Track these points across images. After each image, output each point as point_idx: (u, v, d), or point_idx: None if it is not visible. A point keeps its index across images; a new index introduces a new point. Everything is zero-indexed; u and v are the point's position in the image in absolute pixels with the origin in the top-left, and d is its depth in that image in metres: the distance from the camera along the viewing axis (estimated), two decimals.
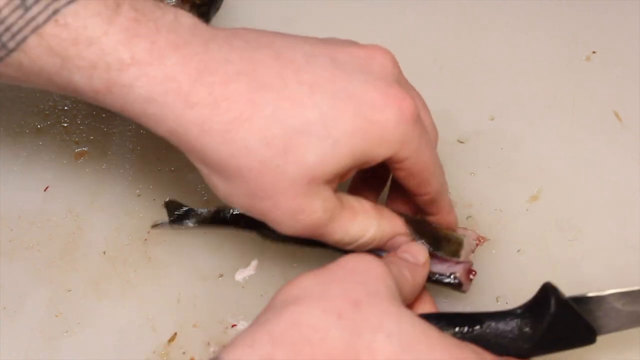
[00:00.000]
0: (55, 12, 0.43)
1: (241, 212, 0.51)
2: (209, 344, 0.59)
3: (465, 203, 0.65)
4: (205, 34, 0.46)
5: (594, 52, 0.73)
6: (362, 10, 0.76)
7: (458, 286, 0.57)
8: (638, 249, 0.63)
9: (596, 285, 0.61)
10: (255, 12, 0.76)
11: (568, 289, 0.61)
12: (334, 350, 0.41)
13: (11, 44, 0.43)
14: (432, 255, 0.55)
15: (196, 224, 0.61)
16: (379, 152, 0.47)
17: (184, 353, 0.58)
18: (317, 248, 0.55)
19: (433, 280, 0.56)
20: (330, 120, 0.45)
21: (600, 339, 0.58)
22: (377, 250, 0.54)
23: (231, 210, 0.59)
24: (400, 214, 0.55)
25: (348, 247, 0.52)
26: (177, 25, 0.45)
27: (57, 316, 0.60)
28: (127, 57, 0.43)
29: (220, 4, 0.76)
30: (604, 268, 0.62)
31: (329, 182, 0.48)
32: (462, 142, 0.68)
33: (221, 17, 0.76)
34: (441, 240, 0.56)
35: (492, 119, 0.70)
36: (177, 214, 0.61)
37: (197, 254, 0.62)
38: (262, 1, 0.77)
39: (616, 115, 0.70)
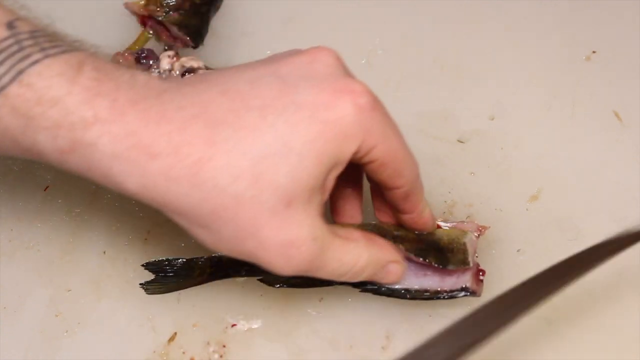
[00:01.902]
0: (20, 72, 0.44)
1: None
2: (208, 343, 0.59)
3: (465, 203, 0.65)
4: (158, 88, 0.46)
5: (594, 52, 0.73)
6: (362, 10, 0.76)
7: (472, 294, 0.57)
8: (638, 249, 0.63)
9: (596, 284, 0.61)
10: (255, 12, 0.76)
11: (568, 289, 0.61)
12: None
13: None
14: (440, 270, 0.56)
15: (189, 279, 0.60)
16: (345, 149, 0.47)
17: (183, 353, 0.58)
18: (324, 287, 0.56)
19: (447, 298, 0.56)
20: (289, 136, 0.45)
21: (600, 339, 0.58)
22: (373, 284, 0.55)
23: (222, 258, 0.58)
24: (399, 242, 0.55)
25: (342, 279, 0.52)
26: (133, 82, 0.46)
27: (57, 316, 0.60)
28: (90, 115, 0.43)
29: (220, 3, 0.76)
30: (604, 268, 0.62)
31: (309, 201, 0.47)
32: (462, 142, 0.68)
33: (221, 17, 0.76)
34: (446, 253, 0.56)
35: (492, 119, 0.70)
36: (160, 275, 0.60)
37: (197, 254, 0.62)
38: (262, 1, 0.77)
39: (616, 115, 0.70)
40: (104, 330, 0.59)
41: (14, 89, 0.44)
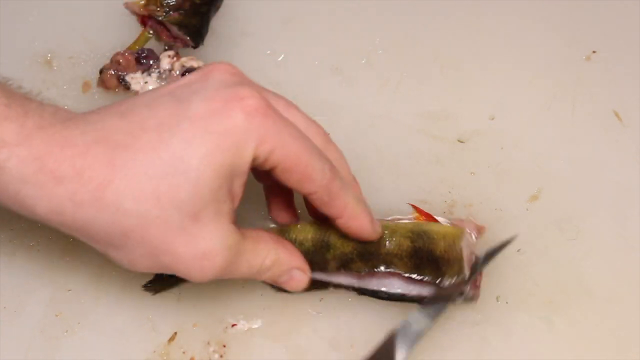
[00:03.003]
0: None
1: None
2: (209, 343, 0.59)
3: (465, 203, 0.65)
4: (65, 116, 0.47)
5: (594, 52, 0.73)
6: (362, 10, 0.76)
7: (469, 300, 0.57)
8: (638, 249, 0.63)
9: (596, 284, 0.61)
10: (255, 12, 0.76)
11: (568, 289, 0.61)
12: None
13: None
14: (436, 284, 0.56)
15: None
16: (242, 156, 0.47)
17: (184, 352, 0.58)
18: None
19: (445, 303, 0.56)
20: (185, 152, 0.46)
21: (599, 339, 0.58)
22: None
23: None
24: (390, 260, 0.56)
25: (247, 278, 0.53)
26: (42, 110, 0.47)
27: (57, 316, 0.60)
28: None
29: (221, 3, 0.76)
30: (604, 268, 0.62)
31: (217, 212, 0.48)
32: (462, 142, 0.68)
33: (221, 17, 0.76)
34: (441, 266, 0.56)
35: (492, 119, 0.70)
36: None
37: None
38: (262, 1, 0.77)
39: (616, 115, 0.70)
40: (104, 330, 0.59)
41: None
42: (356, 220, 0.54)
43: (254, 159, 0.48)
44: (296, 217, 0.60)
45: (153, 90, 0.50)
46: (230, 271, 0.51)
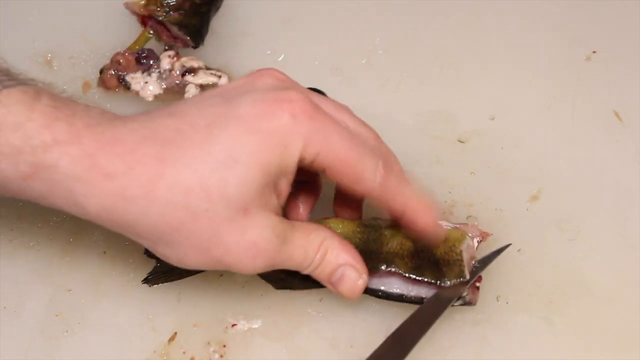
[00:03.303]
0: None
1: None
2: (209, 343, 0.59)
3: (465, 203, 0.65)
4: (112, 115, 0.48)
5: (594, 52, 0.73)
6: (362, 10, 0.76)
7: (468, 304, 0.57)
8: (638, 249, 0.63)
9: (596, 284, 0.61)
10: (255, 12, 0.76)
11: (568, 289, 0.61)
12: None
13: None
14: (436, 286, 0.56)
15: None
16: (288, 156, 0.48)
17: (184, 353, 0.58)
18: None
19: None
20: (233, 149, 0.47)
21: (600, 338, 0.58)
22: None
23: None
24: (391, 259, 0.56)
25: (308, 270, 0.53)
26: (88, 110, 0.48)
27: (57, 316, 0.60)
28: (50, 138, 0.45)
29: (221, 3, 0.76)
30: (604, 268, 0.62)
31: (265, 206, 0.49)
32: (462, 142, 0.68)
33: (221, 17, 0.76)
34: (442, 267, 0.56)
35: (492, 119, 0.70)
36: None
37: None
38: (262, 1, 0.77)
39: (616, 115, 0.70)
40: (105, 330, 0.59)
41: None
42: (420, 216, 0.54)
43: (301, 160, 0.49)
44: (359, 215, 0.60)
45: (202, 93, 0.52)
46: (283, 260, 0.51)
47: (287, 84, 0.52)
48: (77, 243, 0.63)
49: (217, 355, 0.58)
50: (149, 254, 0.59)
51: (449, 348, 0.58)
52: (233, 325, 0.59)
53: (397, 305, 0.58)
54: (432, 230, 0.55)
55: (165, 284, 0.60)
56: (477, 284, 0.58)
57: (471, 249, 0.58)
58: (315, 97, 0.52)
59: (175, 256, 0.49)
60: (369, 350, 0.55)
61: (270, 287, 0.58)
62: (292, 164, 0.48)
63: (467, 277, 0.56)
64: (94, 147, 0.46)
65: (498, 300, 0.60)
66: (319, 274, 0.53)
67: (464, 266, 0.56)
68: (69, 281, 0.61)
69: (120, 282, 0.61)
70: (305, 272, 0.53)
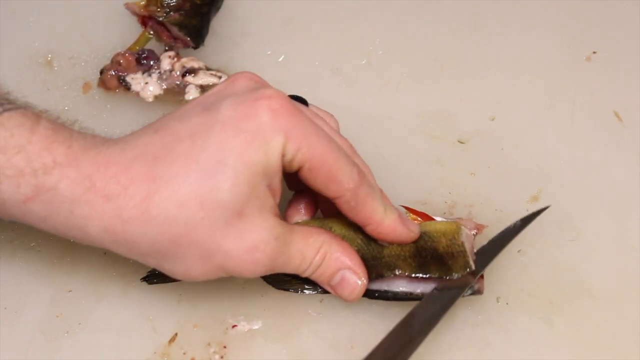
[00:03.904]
0: None
1: None
2: (209, 344, 0.59)
3: (465, 203, 0.65)
4: (104, 138, 0.50)
5: (594, 52, 0.73)
6: (362, 10, 0.76)
7: (476, 293, 0.57)
8: (638, 249, 0.63)
9: (596, 284, 0.61)
10: (255, 12, 0.76)
11: (568, 289, 0.61)
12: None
13: None
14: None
15: None
16: (272, 153, 0.48)
17: (184, 353, 0.58)
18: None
19: None
20: (220, 153, 0.47)
21: (600, 339, 0.58)
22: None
23: None
24: (394, 263, 0.55)
25: (306, 273, 0.53)
26: (83, 134, 0.49)
27: (57, 316, 0.60)
28: (50, 160, 0.46)
29: (221, 4, 0.76)
30: (604, 268, 0.62)
31: (261, 207, 0.49)
32: (462, 142, 0.68)
33: (221, 17, 0.76)
34: (447, 261, 0.56)
35: (492, 119, 0.70)
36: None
37: None
38: (262, 1, 0.77)
39: (616, 115, 0.70)
40: (105, 331, 0.59)
41: None
42: (386, 226, 0.54)
43: (283, 156, 0.49)
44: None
45: (184, 105, 0.52)
46: (282, 264, 0.51)
47: (263, 84, 0.52)
48: (77, 243, 0.63)
49: (217, 356, 0.58)
50: (147, 280, 0.59)
51: (449, 349, 0.58)
52: (233, 326, 0.59)
53: (397, 306, 0.58)
54: (401, 237, 0.55)
55: (165, 284, 0.60)
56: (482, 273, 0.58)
57: (470, 238, 0.58)
58: (294, 102, 0.52)
59: (181, 270, 0.50)
60: (369, 351, 0.55)
61: (270, 288, 0.58)
62: (276, 161, 0.49)
63: (473, 267, 0.56)
64: (90, 169, 0.47)
65: (498, 301, 0.60)
66: (318, 277, 0.54)
67: (468, 256, 0.56)
68: (70, 282, 0.61)
69: (121, 283, 0.61)
70: (304, 275, 0.53)
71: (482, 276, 0.58)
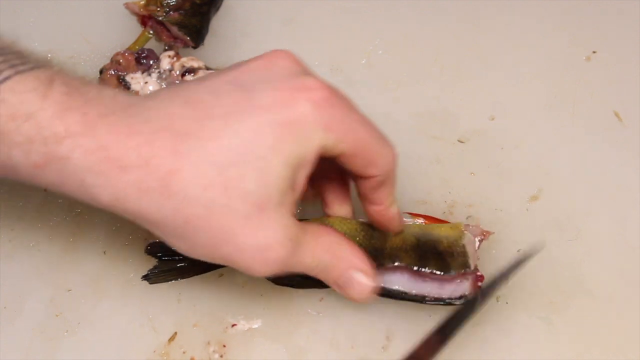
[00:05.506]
0: None
1: None
2: (209, 343, 0.59)
3: (465, 203, 0.65)
4: (125, 102, 0.47)
5: (594, 52, 0.73)
6: (362, 10, 0.76)
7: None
8: (638, 249, 0.63)
9: (596, 284, 0.61)
10: (255, 12, 0.76)
11: (568, 289, 0.61)
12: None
13: None
14: (440, 276, 0.56)
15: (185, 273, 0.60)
16: (309, 147, 0.47)
17: (184, 353, 0.58)
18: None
19: (444, 304, 0.56)
20: (252, 141, 0.46)
21: (600, 338, 0.58)
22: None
23: None
24: (395, 254, 0.56)
25: (313, 272, 0.52)
26: (101, 96, 0.46)
27: (57, 316, 0.60)
28: (62, 130, 0.44)
29: (221, 3, 0.76)
30: (604, 268, 0.62)
31: (281, 203, 0.47)
32: (462, 142, 0.68)
33: (221, 17, 0.76)
34: (446, 258, 0.56)
35: (492, 119, 0.70)
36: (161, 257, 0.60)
37: None
38: (262, 1, 0.77)
39: (616, 115, 0.70)
40: (105, 330, 0.59)
41: None
42: (391, 210, 0.54)
43: (321, 148, 0.48)
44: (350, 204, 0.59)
45: (212, 75, 0.50)
46: (293, 264, 0.50)
47: (302, 69, 0.50)
48: (77, 243, 0.63)
49: (217, 355, 0.58)
50: (149, 251, 0.59)
51: (449, 348, 0.58)
52: (233, 325, 0.59)
53: (397, 305, 0.58)
54: (396, 223, 0.56)
55: (165, 283, 0.60)
56: (479, 283, 0.58)
57: (472, 242, 0.58)
58: (336, 90, 0.50)
59: (185, 247, 0.48)
60: (369, 350, 0.55)
61: (270, 287, 0.59)
62: (312, 154, 0.47)
63: (472, 267, 0.56)
64: (108, 138, 0.45)
65: (498, 301, 0.60)
66: (325, 276, 0.53)
67: (468, 257, 0.56)
68: (69, 281, 0.61)
69: (121, 282, 0.61)
70: (312, 274, 0.52)
71: (479, 286, 0.57)
